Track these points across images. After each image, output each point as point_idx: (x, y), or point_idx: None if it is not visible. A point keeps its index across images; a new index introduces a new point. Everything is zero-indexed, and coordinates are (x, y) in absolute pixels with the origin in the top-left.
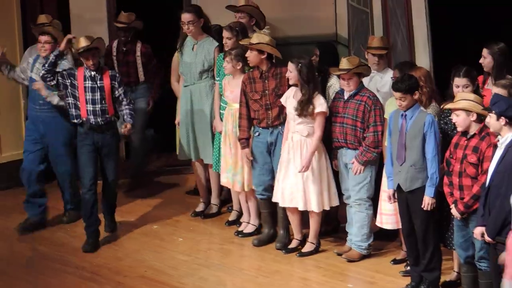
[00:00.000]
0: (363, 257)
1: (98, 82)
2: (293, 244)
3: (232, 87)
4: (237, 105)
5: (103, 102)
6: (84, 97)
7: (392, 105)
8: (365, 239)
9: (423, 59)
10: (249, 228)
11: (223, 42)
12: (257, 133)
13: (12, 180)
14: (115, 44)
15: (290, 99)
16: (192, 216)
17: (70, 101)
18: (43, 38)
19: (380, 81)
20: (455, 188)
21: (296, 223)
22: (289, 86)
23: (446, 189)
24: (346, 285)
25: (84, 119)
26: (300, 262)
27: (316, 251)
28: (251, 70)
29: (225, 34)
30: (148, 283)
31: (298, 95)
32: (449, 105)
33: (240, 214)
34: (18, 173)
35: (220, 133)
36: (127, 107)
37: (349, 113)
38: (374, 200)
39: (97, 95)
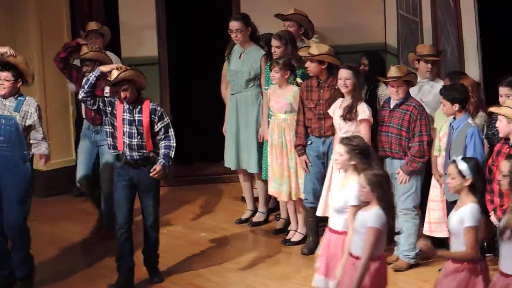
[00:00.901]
0: (410, 267)
1: (135, 115)
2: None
3: (277, 97)
4: (282, 115)
5: (140, 136)
6: (122, 129)
7: (441, 115)
8: (412, 248)
9: (472, 69)
10: (297, 237)
11: (272, 51)
12: (310, 142)
13: (59, 187)
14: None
15: (337, 109)
16: (236, 223)
17: (107, 130)
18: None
19: (430, 90)
20: (495, 195)
21: None
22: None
23: (487, 197)
24: None
25: (120, 152)
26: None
27: None
28: (295, 80)
29: (274, 42)
30: None
31: (343, 105)
32: (492, 109)
33: (287, 222)
34: (67, 180)
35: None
36: (163, 145)
37: (395, 123)
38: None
39: (134, 129)
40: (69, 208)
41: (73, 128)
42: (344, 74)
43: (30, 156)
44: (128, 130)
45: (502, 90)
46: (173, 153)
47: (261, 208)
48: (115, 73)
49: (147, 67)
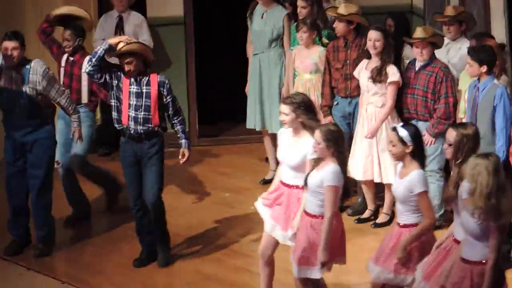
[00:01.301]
0: (435, 228)
1: (143, 87)
2: (366, 214)
3: (302, 57)
4: (307, 75)
5: (147, 110)
6: (128, 102)
7: (467, 77)
8: (436, 210)
9: (499, 30)
10: None
11: (298, 11)
12: (336, 102)
13: None
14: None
15: (363, 71)
16: (261, 183)
17: (113, 104)
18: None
19: (457, 52)
20: None
21: (371, 194)
22: (370, 57)
23: None
24: None
25: (124, 126)
26: (372, 233)
27: (390, 221)
28: (321, 40)
29: (300, 3)
30: (221, 251)
31: (370, 66)
32: None
33: None
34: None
35: None
36: (178, 120)
37: (420, 84)
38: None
39: (141, 102)
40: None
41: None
42: (373, 35)
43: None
44: (134, 103)
45: None
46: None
47: None
48: (121, 45)
49: (172, 27)
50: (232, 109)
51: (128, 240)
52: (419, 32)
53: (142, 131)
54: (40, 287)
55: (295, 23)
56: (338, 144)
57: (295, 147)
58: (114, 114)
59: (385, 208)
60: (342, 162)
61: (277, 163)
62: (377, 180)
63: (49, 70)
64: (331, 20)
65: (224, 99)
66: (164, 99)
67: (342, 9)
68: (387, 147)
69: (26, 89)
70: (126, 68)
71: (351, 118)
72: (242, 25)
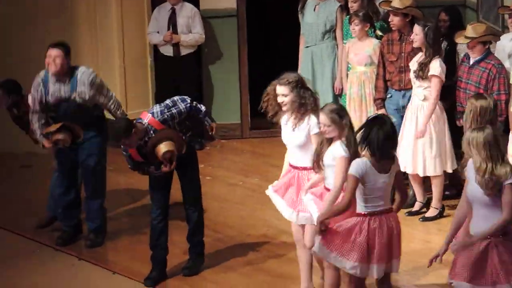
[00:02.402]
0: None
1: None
2: (416, 207)
3: (356, 49)
4: (361, 68)
5: None
6: None
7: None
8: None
9: None
10: None
11: (349, 6)
12: (389, 95)
13: None
14: None
15: (415, 63)
16: None
17: None
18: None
19: None
20: None
21: (418, 187)
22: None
23: None
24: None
25: None
26: (422, 226)
27: (440, 215)
28: (375, 32)
29: None
30: (270, 241)
31: (420, 60)
32: None
33: None
34: None
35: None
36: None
37: (473, 80)
38: None
39: None
40: None
41: (150, 79)
42: (414, 29)
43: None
44: None
45: None
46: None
47: None
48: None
49: (225, 19)
50: None
51: (180, 231)
52: (469, 31)
53: None
54: (92, 277)
55: (348, 15)
56: (345, 120)
57: (297, 126)
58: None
59: (434, 202)
60: (351, 135)
61: None
62: (422, 174)
63: (96, 76)
64: (383, 13)
65: None
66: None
67: (398, 3)
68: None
69: (76, 98)
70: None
71: (404, 111)
72: (294, 17)
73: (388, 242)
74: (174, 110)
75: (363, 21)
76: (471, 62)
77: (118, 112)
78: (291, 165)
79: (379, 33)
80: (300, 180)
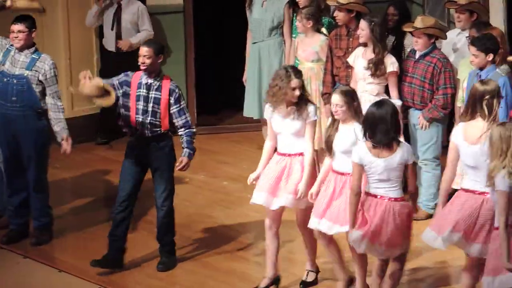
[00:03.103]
0: (430, 216)
1: (152, 92)
2: None
3: (304, 45)
4: (309, 64)
5: (154, 115)
6: (135, 106)
7: (465, 65)
8: (432, 198)
9: (497, 19)
10: None
11: (296, 0)
12: None
13: (83, 135)
14: None
15: (359, 59)
16: None
17: (121, 111)
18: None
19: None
20: None
21: None
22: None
23: None
24: (414, 244)
25: (133, 127)
26: None
27: None
28: (322, 29)
29: None
30: (218, 239)
31: (367, 55)
32: None
33: None
34: (89, 128)
35: None
36: (186, 132)
37: (418, 74)
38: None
39: (149, 107)
40: (92, 156)
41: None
42: (360, 25)
43: (44, 110)
44: (141, 107)
45: None
46: (195, 139)
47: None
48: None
49: (172, 15)
50: (230, 98)
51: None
52: (418, 22)
53: (149, 135)
54: (37, 275)
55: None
56: (356, 102)
57: (293, 115)
58: (121, 122)
59: None
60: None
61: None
62: None
63: (56, 68)
64: (332, 9)
65: (222, 87)
66: (170, 108)
67: None
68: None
69: (28, 74)
70: (141, 60)
71: None
72: (241, 13)
73: (385, 227)
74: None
75: (305, 18)
76: (417, 56)
77: (55, 112)
78: (281, 154)
79: (324, 31)
80: (291, 166)
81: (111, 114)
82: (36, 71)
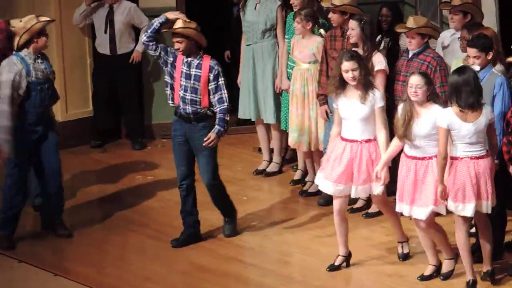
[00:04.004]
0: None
1: (192, 69)
2: (359, 204)
3: (301, 47)
4: (305, 65)
5: (195, 92)
6: (179, 82)
7: (459, 64)
8: None
9: (489, 20)
10: (314, 188)
11: (290, 2)
12: None
13: (77, 138)
14: None
15: None
16: (254, 174)
17: (167, 80)
18: None
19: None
20: None
21: None
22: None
23: (504, 148)
24: (410, 245)
25: (176, 104)
26: (365, 222)
27: (381, 212)
28: (319, 30)
29: None
30: (211, 241)
31: None
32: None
33: (305, 173)
34: (83, 131)
35: (287, 91)
36: (219, 109)
37: (411, 72)
38: None
39: (190, 83)
40: (87, 159)
41: (90, 79)
42: (350, 25)
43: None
44: (184, 83)
45: None
46: (228, 116)
47: (276, 158)
48: (178, 23)
49: None
50: None
51: (120, 230)
52: (410, 22)
53: (190, 111)
54: (32, 279)
55: (291, 12)
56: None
57: (364, 100)
58: (168, 91)
59: None
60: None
61: (271, 152)
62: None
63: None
64: (326, 11)
65: None
66: (209, 84)
67: (336, 0)
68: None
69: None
70: (176, 46)
71: None
72: (236, 15)
73: (477, 183)
74: None
75: (305, 19)
76: (410, 55)
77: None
78: (346, 139)
79: (322, 32)
80: (362, 154)
81: (105, 116)
82: None
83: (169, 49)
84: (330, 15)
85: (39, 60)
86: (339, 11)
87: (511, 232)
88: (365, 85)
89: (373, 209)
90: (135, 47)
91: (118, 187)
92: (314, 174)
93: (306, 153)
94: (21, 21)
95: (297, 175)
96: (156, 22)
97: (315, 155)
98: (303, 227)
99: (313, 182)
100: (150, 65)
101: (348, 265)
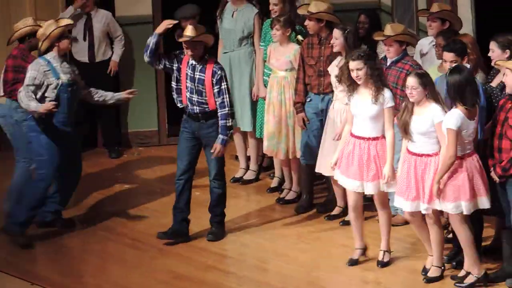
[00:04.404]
0: (406, 222)
1: (197, 73)
2: (336, 211)
3: (278, 54)
4: (282, 73)
5: (200, 94)
6: (185, 84)
7: (433, 73)
8: None
9: (466, 27)
10: (291, 195)
11: (270, 9)
12: (309, 99)
13: None
14: None
15: (334, 68)
16: (231, 182)
17: (174, 86)
18: None
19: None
20: (495, 150)
21: (340, 192)
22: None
23: (487, 152)
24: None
25: (184, 105)
26: (342, 229)
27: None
28: (296, 37)
29: (272, 0)
30: (189, 249)
31: (340, 64)
32: (499, 62)
33: (282, 181)
34: None
35: (264, 99)
36: (220, 114)
37: (390, 80)
38: None
39: (194, 86)
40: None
41: None
42: (333, 33)
43: None
44: (189, 85)
45: (493, 45)
46: (231, 121)
47: (252, 166)
48: (189, 31)
49: (140, 26)
50: None
51: (98, 239)
52: (388, 30)
53: (198, 111)
54: None
55: (268, 20)
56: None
57: (375, 99)
58: (174, 95)
59: None
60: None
61: (247, 160)
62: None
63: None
64: (302, 18)
65: None
66: (213, 88)
67: (312, 7)
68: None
69: None
70: (188, 53)
71: (323, 115)
72: (211, 24)
73: (474, 179)
74: None
75: (283, 26)
76: (388, 62)
77: None
78: (356, 136)
79: (300, 38)
80: (370, 151)
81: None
82: None
83: (172, 54)
84: (307, 22)
85: (66, 63)
86: (315, 19)
87: (489, 238)
88: (376, 84)
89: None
90: (111, 55)
91: (95, 196)
92: (291, 182)
93: (284, 161)
94: (41, 26)
95: (274, 183)
96: (151, 43)
97: (293, 163)
98: (281, 234)
99: (290, 189)
100: (127, 74)
101: (365, 257)
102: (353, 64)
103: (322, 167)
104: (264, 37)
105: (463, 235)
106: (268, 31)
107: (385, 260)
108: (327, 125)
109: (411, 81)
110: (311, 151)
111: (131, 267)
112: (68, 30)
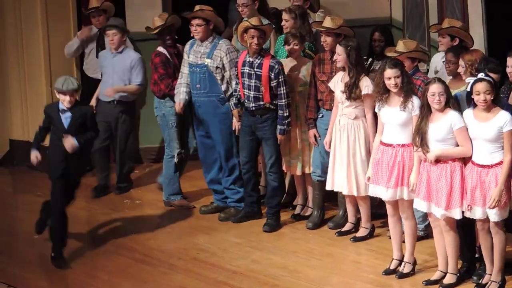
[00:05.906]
0: (420, 238)
1: (255, 69)
2: (347, 227)
3: (291, 70)
4: (298, 88)
5: (257, 90)
6: (242, 81)
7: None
8: (421, 221)
9: (477, 43)
10: (307, 211)
11: (282, 24)
12: (320, 115)
13: None
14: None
15: (338, 83)
16: None
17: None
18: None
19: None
20: None
21: (350, 207)
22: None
23: None
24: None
25: (242, 100)
26: (353, 246)
27: (370, 235)
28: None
29: (285, 16)
30: (200, 265)
31: (345, 79)
32: None
33: (291, 196)
34: None
35: None
36: (278, 108)
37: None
38: None
39: (252, 82)
40: None
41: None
42: (336, 50)
43: (227, 97)
44: (246, 82)
45: (510, 61)
46: (287, 110)
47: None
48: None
49: (151, 42)
50: None
51: (108, 255)
52: (400, 46)
53: (253, 107)
54: None
55: (282, 35)
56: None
57: (405, 106)
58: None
59: (364, 222)
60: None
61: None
62: (346, 192)
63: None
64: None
65: None
66: (271, 82)
67: (330, 23)
68: (481, 97)
69: (208, 63)
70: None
71: None
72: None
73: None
74: None
75: (301, 42)
76: None
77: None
78: (386, 144)
79: (309, 52)
80: (396, 157)
81: None
82: (213, 60)
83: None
84: (324, 38)
85: (204, 45)
86: (334, 34)
87: None
88: (407, 92)
89: (361, 233)
90: None
91: (107, 211)
92: (303, 197)
93: (298, 177)
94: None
95: (284, 199)
96: (231, 104)
97: (308, 178)
98: (292, 250)
99: (303, 205)
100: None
101: (402, 268)
102: (391, 72)
103: (335, 183)
104: (276, 52)
105: (498, 240)
106: (281, 46)
107: (405, 271)
108: (336, 142)
109: (437, 87)
110: (323, 167)
111: (141, 283)
112: (82, 46)
